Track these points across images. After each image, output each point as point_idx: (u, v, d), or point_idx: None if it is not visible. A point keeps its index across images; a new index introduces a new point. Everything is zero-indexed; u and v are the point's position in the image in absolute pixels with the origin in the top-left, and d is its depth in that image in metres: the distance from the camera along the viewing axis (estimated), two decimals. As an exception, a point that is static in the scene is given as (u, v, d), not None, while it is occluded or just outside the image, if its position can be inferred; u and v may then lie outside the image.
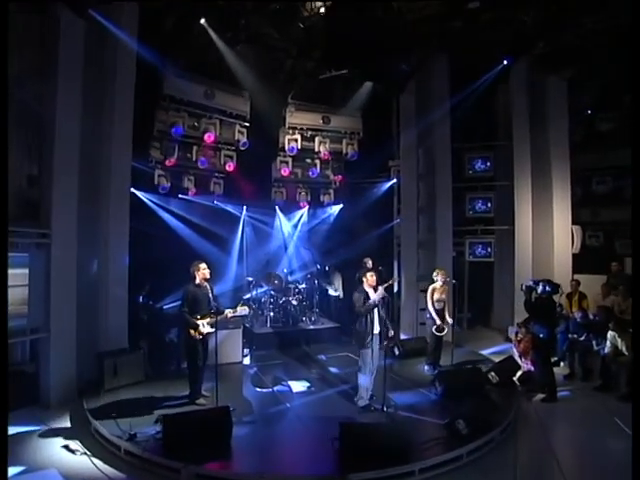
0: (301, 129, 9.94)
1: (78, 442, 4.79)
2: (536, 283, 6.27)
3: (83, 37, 6.04)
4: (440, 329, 6.84)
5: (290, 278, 9.88)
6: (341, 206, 11.10)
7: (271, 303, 8.91)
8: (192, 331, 5.56)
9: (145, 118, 7.74)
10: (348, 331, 8.49)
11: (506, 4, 6.95)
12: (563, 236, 9.05)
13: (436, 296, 7.03)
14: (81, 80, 6.04)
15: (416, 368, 7.14)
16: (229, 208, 10.12)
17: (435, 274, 7.16)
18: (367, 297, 5.37)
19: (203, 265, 5.77)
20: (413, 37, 7.77)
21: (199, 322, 5.57)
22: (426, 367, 7.08)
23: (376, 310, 5.41)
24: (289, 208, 10.92)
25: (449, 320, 7.20)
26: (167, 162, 8.46)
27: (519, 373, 6.59)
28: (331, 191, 10.77)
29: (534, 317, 6.36)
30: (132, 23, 6.65)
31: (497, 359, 7.19)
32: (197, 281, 5.71)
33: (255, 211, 10.62)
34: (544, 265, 8.82)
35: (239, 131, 9.17)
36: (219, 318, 5.60)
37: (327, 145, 10.07)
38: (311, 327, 8.92)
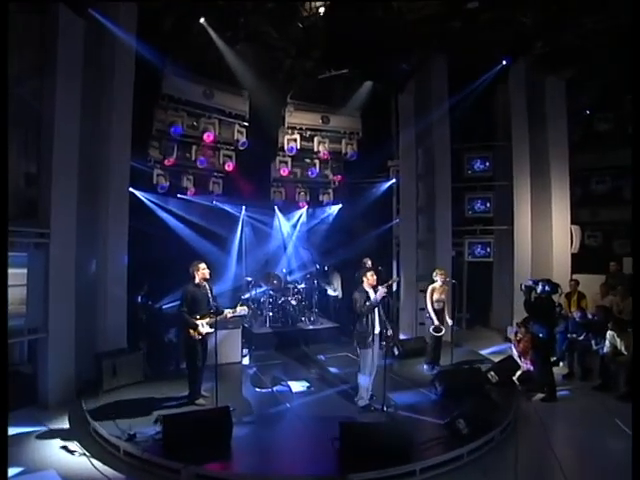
0: (300, 129, 9.94)
1: (77, 443, 4.77)
2: (535, 283, 6.28)
3: (82, 36, 6.03)
4: (437, 329, 6.84)
5: (289, 278, 9.88)
6: (340, 206, 11.10)
7: (270, 303, 8.90)
8: (191, 331, 5.54)
9: (144, 117, 7.72)
10: (347, 331, 8.52)
11: (505, 4, 6.96)
12: (562, 236, 9.07)
13: (435, 296, 7.05)
14: (80, 79, 6.03)
15: (416, 368, 7.13)
16: (228, 208, 10.11)
17: (435, 274, 7.17)
18: (368, 297, 5.37)
19: (203, 265, 5.75)
20: (413, 37, 7.77)
21: (198, 322, 5.56)
22: (425, 366, 7.09)
23: (376, 310, 5.40)
24: (288, 208, 10.92)
25: (449, 320, 7.21)
26: (166, 162, 8.44)
27: (518, 373, 6.60)
28: (330, 191, 10.76)
29: (533, 317, 6.37)
30: (131, 22, 6.64)
31: (496, 359, 7.20)
32: (196, 281, 5.69)
33: (254, 211, 10.61)
34: (543, 265, 8.83)
35: (238, 131, 9.16)
36: (218, 318, 5.59)
37: (326, 145, 10.07)
38: (310, 327, 8.91)
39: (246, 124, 9.24)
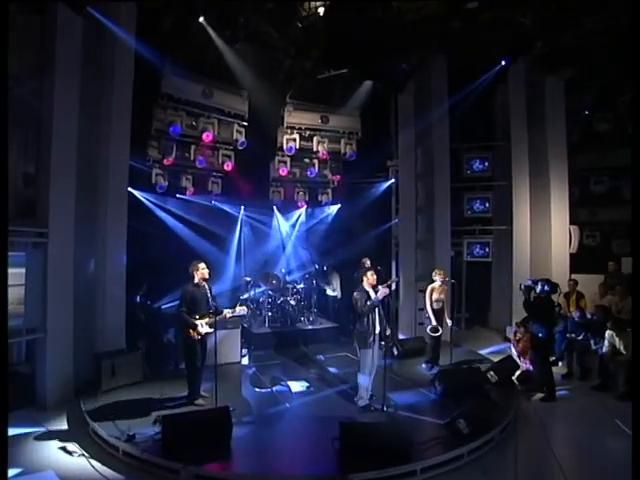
0: (299, 129, 9.93)
1: (75, 443, 4.74)
2: (535, 282, 6.29)
3: (81, 34, 6.00)
4: (435, 330, 6.85)
5: (288, 278, 9.86)
6: (339, 206, 11.09)
7: (269, 303, 8.88)
8: (191, 331, 5.52)
9: (143, 117, 7.70)
10: (346, 331, 8.52)
11: (505, 4, 6.96)
12: (561, 236, 9.08)
13: (435, 296, 7.05)
14: (79, 78, 6.00)
15: (415, 368, 7.14)
16: (226, 208, 10.09)
17: (434, 274, 7.17)
18: (368, 297, 5.36)
19: (202, 265, 5.73)
20: (412, 37, 7.77)
21: (198, 322, 5.54)
22: (424, 365, 7.10)
23: (376, 310, 5.39)
24: (287, 208, 10.90)
25: (448, 321, 7.21)
26: (165, 161, 8.41)
27: (518, 372, 6.60)
28: (329, 191, 10.76)
29: (533, 316, 6.37)
30: (130, 21, 6.61)
31: (495, 359, 7.20)
32: (196, 281, 5.68)
33: (253, 211, 10.59)
34: (542, 265, 8.84)
35: (237, 130, 9.15)
36: (218, 318, 5.58)
37: (325, 145, 10.06)
38: (309, 327, 8.89)
39: (245, 124, 9.23)
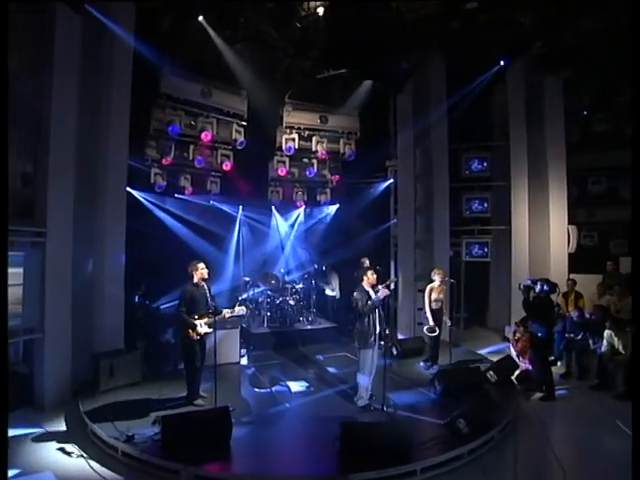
0: (298, 128, 9.93)
1: (74, 444, 4.71)
2: (534, 282, 6.30)
3: (79, 33, 5.98)
4: (431, 330, 6.86)
5: (287, 278, 9.84)
6: (338, 206, 11.08)
7: (268, 303, 8.86)
8: (190, 331, 5.50)
9: (141, 116, 7.68)
10: (345, 331, 8.53)
11: (504, 4, 6.98)
12: (559, 236, 9.10)
13: (434, 295, 7.06)
14: (77, 77, 5.97)
15: (414, 368, 7.14)
16: (225, 208, 10.07)
17: (433, 273, 7.18)
18: (369, 296, 5.36)
19: (201, 265, 5.71)
20: (412, 37, 7.78)
21: (197, 322, 5.52)
22: (422, 364, 7.12)
23: (376, 309, 5.38)
24: (285, 208, 10.89)
25: (447, 320, 7.22)
26: (163, 161, 8.40)
27: (517, 372, 6.61)
28: (328, 191, 10.76)
29: (532, 316, 6.38)
30: (129, 20, 6.58)
31: (494, 359, 7.21)
32: (195, 281, 5.66)
33: (251, 210, 10.57)
34: (540, 265, 8.87)
35: (236, 130, 9.14)
36: (217, 318, 5.56)
37: (324, 145, 10.07)
38: (308, 327, 8.88)
39: (244, 123, 9.22)
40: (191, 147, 8.75)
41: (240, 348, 7.49)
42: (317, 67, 9.03)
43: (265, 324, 8.71)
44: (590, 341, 6.85)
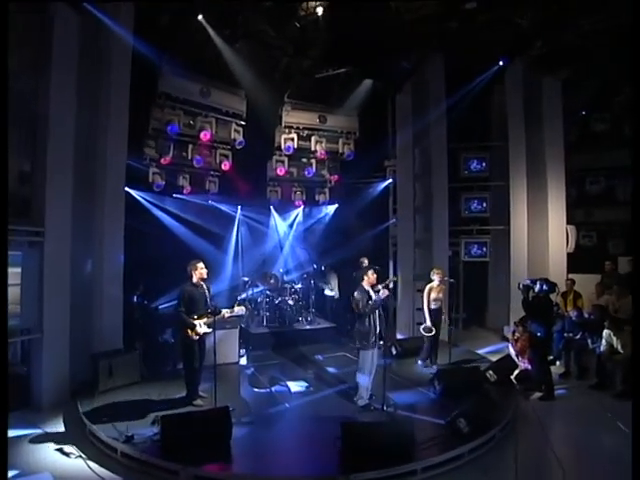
0: (297, 128, 9.91)
1: (72, 445, 4.68)
2: (533, 282, 6.31)
3: (78, 31, 5.95)
4: (428, 330, 6.87)
5: (286, 278, 9.83)
6: (337, 206, 11.07)
7: (267, 303, 8.85)
8: (189, 331, 5.48)
9: (140, 116, 7.65)
10: (344, 331, 8.53)
11: (503, 5, 6.98)
12: (558, 236, 9.13)
13: (433, 295, 7.07)
14: (76, 75, 5.94)
15: (414, 367, 7.15)
16: (223, 207, 10.04)
17: (432, 273, 7.18)
18: (370, 296, 5.35)
19: (201, 265, 5.69)
20: (411, 37, 7.78)
21: (196, 322, 5.50)
22: (419, 362, 7.13)
23: (377, 310, 5.38)
24: (284, 207, 10.87)
25: (446, 319, 7.22)
26: (162, 160, 8.36)
27: (516, 372, 6.62)
28: (327, 190, 10.75)
29: (531, 316, 6.39)
30: (128, 18, 6.56)
31: (493, 358, 7.22)
32: (194, 280, 5.63)
33: (250, 210, 10.55)
34: (539, 265, 8.88)
35: (235, 130, 9.12)
36: (216, 318, 5.54)
37: (323, 144, 10.06)
38: (307, 327, 8.87)
39: (243, 123, 9.20)
40: (190, 146, 8.72)
41: (239, 348, 7.47)
42: (316, 67, 9.02)
43: (264, 324, 8.69)
44: (589, 340, 6.87)
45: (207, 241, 9.35)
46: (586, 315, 7.33)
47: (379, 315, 5.41)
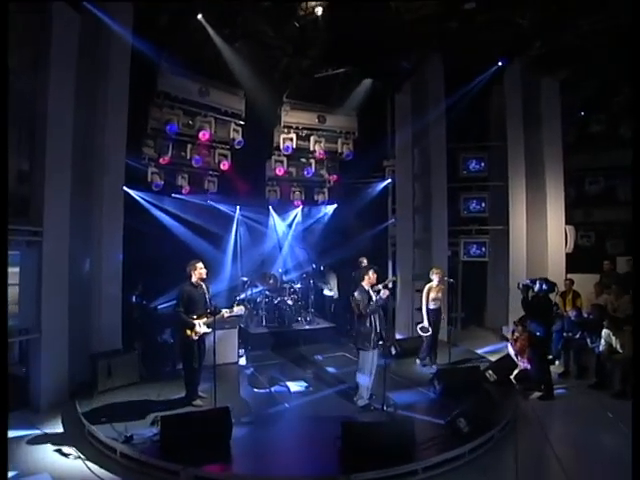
0: (296, 128, 9.90)
1: (71, 445, 4.66)
2: (533, 282, 6.32)
3: (77, 30, 5.92)
4: (424, 330, 6.89)
5: (285, 278, 9.82)
6: (336, 206, 11.07)
7: (266, 303, 8.84)
8: (188, 331, 5.46)
9: (139, 115, 7.63)
10: (344, 331, 8.53)
11: (502, 5, 6.99)
12: (557, 236, 9.14)
13: (432, 295, 7.08)
14: (74, 74, 5.92)
15: (414, 367, 7.14)
16: (222, 207, 10.03)
17: (431, 273, 7.19)
18: (370, 297, 5.34)
19: (200, 264, 5.67)
20: (411, 37, 7.79)
21: (196, 322, 5.48)
22: (418, 361, 7.13)
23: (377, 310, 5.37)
24: (283, 207, 10.86)
25: (445, 318, 7.23)
26: (161, 160, 8.34)
27: (516, 371, 6.63)
28: (325, 190, 10.75)
29: (531, 315, 6.40)
30: (127, 17, 6.53)
31: (492, 358, 7.23)
32: (193, 280, 5.62)
33: (249, 210, 10.53)
34: (538, 265, 8.89)
35: (234, 129, 9.10)
36: (216, 318, 5.52)
37: (322, 144, 10.05)
38: (306, 327, 8.86)
39: (242, 123, 9.19)
40: (189, 146, 8.70)
41: (238, 348, 7.45)
42: (315, 67, 9.01)
43: (263, 324, 8.68)
44: (588, 340, 6.87)
45: (206, 241, 9.33)
46: (585, 315, 7.34)
47: (379, 315, 5.41)
